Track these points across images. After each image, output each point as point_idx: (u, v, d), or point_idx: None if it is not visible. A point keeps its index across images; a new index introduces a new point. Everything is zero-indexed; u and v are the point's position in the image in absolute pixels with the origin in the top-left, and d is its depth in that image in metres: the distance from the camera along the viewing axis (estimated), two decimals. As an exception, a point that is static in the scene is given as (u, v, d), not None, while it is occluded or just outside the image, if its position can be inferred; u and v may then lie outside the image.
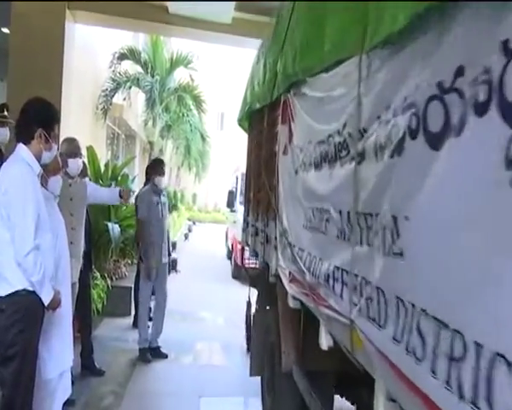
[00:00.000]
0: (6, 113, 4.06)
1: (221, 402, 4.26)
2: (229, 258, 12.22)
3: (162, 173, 5.14)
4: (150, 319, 5.26)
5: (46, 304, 2.57)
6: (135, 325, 5.88)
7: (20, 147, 2.62)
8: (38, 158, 2.65)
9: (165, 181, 5.21)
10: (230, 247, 11.64)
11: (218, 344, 5.83)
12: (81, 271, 4.16)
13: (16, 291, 2.47)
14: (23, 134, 2.64)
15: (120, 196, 4.23)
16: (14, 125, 2.71)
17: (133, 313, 6.17)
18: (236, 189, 10.83)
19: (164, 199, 5.21)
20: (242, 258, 8.42)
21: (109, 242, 6.51)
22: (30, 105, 2.71)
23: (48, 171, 2.90)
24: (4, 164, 2.67)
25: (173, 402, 4.12)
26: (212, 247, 15.51)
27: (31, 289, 2.50)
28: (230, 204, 10.80)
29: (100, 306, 5.54)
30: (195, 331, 6.21)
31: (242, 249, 8.54)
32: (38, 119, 2.66)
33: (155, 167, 5.22)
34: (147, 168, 6.57)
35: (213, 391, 4.40)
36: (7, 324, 2.46)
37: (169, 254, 5.47)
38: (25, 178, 2.53)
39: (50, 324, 2.80)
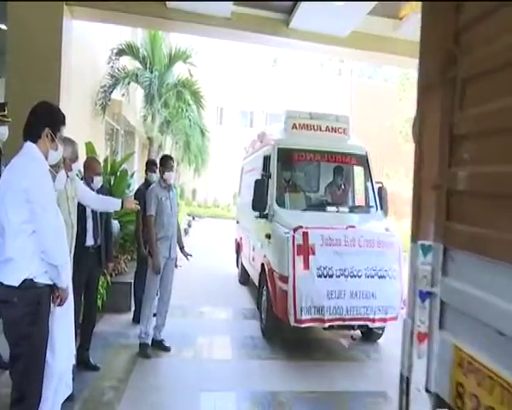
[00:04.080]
0: (5, 112, 4.08)
1: (222, 397, 4.26)
2: (242, 283, 8.84)
3: (171, 169, 5.15)
4: (154, 315, 5.26)
5: (64, 285, 2.77)
6: (135, 320, 5.90)
7: (31, 145, 2.73)
8: (45, 157, 2.78)
9: (173, 176, 5.18)
10: (256, 278, 6.61)
11: (219, 339, 5.84)
12: (90, 267, 4.26)
13: (28, 283, 2.57)
14: (30, 133, 2.75)
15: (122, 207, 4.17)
16: (24, 124, 2.79)
17: (133, 308, 6.19)
18: (268, 176, 6.08)
19: (172, 194, 5.21)
20: (295, 311, 4.83)
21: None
22: (39, 107, 2.86)
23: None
24: (16, 160, 2.71)
25: (174, 397, 4.13)
26: (216, 248, 13.33)
27: (41, 282, 2.63)
28: (259, 204, 5.93)
29: (100, 302, 5.55)
30: (196, 326, 6.22)
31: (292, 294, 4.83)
32: (46, 119, 2.81)
33: (165, 163, 5.22)
34: (146, 164, 6.56)
35: (214, 386, 4.42)
36: (19, 316, 2.57)
37: (181, 248, 5.45)
38: (45, 175, 2.73)
39: (54, 321, 2.85)
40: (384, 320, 5.05)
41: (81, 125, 9.53)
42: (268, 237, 5.78)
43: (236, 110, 30.69)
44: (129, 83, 13.97)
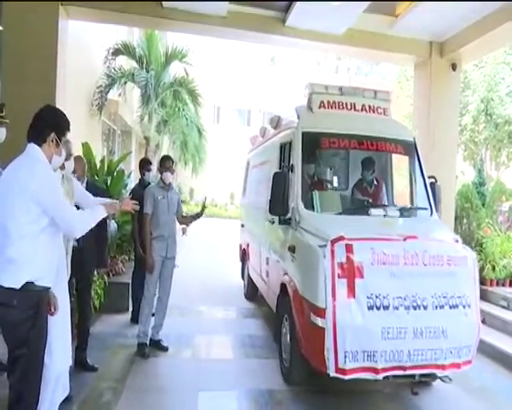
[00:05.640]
0: (3, 113, 4.06)
1: (219, 396, 4.27)
2: (249, 298, 7.59)
3: (169, 169, 5.14)
4: (152, 315, 5.25)
5: (106, 214, 3.12)
6: (132, 320, 5.89)
7: (36, 148, 2.71)
8: (49, 161, 2.78)
9: (169, 176, 5.16)
10: (273, 300, 5.29)
11: (218, 338, 5.84)
12: (85, 267, 4.24)
13: (29, 286, 2.56)
14: (35, 136, 2.73)
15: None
16: (29, 126, 2.77)
17: (131, 309, 6.18)
18: (289, 170, 4.70)
19: (171, 194, 5.19)
20: (336, 357, 3.54)
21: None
22: (45, 111, 2.83)
23: None
24: (20, 160, 2.70)
25: (172, 397, 4.13)
26: (214, 249, 13.66)
27: (41, 285, 2.62)
28: (278, 206, 4.53)
29: (97, 302, 5.54)
30: (194, 325, 6.21)
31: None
32: (53, 124, 2.79)
33: (163, 163, 5.21)
34: (140, 163, 6.53)
35: (212, 385, 4.41)
36: (19, 319, 2.56)
37: (196, 215, 5.37)
38: (52, 176, 2.78)
39: (51, 323, 2.84)
40: (457, 366, 3.77)
41: (77, 125, 9.47)
42: (291, 249, 4.38)
43: (234, 109, 30.69)
44: (125, 83, 13.91)
